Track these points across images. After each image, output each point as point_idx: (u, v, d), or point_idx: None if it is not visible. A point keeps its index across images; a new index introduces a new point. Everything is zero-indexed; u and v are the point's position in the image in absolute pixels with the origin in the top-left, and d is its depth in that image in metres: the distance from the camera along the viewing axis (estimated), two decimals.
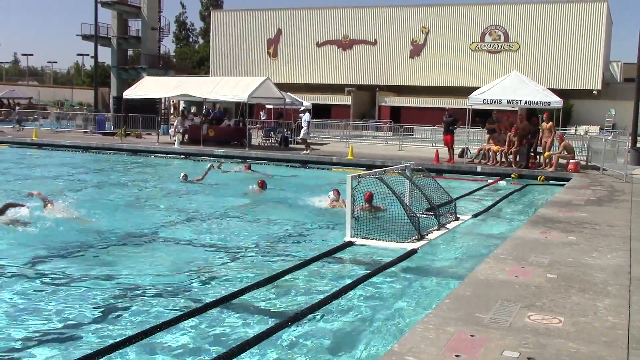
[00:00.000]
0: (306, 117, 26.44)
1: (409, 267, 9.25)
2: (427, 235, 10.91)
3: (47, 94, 72.63)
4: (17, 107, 44.30)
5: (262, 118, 38.58)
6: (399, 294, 8.12)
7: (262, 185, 16.38)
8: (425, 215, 11.95)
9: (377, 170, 12.29)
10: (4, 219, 11.20)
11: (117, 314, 7.13)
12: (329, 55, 55.51)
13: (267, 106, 36.91)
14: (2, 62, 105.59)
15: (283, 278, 8.43)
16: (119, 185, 17.49)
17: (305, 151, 25.49)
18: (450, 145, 23.02)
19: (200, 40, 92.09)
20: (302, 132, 26.19)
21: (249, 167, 20.52)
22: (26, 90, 72.49)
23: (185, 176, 17.98)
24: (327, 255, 9.75)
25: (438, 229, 11.52)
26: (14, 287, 8.05)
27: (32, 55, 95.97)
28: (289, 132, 30.67)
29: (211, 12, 62.74)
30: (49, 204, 12.06)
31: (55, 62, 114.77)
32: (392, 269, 9.00)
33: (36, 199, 12.26)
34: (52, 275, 8.55)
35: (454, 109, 25.06)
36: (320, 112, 46.28)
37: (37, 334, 6.51)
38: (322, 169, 22.94)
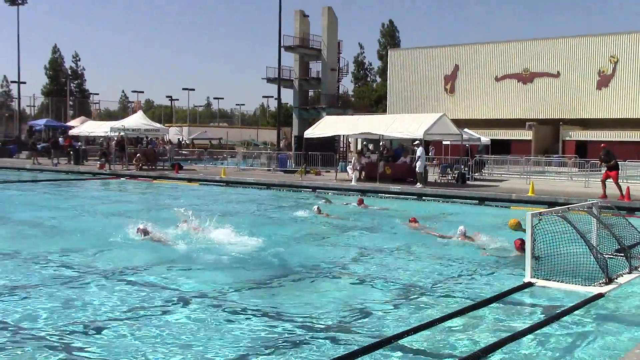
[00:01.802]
0: (419, 151, 26.44)
1: (594, 313, 8.61)
2: (616, 278, 10.13)
3: (234, 134, 77.52)
4: (170, 145, 47.18)
5: (430, 154, 38.49)
6: (581, 341, 7.57)
7: (415, 222, 16.40)
8: (614, 257, 11.11)
9: (559, 207, 11.65)
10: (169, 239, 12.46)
11: (284, 348, 7.28)
12: (509, 90, 54.08)
13: (444, 142, 36.65)
14: (197, 106, 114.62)
15: (454, 319, 8.20)
16: (294, 221, 18.07)
17: (418, 184, 25.87)
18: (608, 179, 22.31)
19: (378, 79, 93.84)
20: (418, 165, 26.34)
21: (362, 202, 21.19)
22: (217, 131, 78.08)
23: (319, 209, 18.84)
24: (504, 296, 9.35)
25: (629, 273, 10.64)
26: (179, 312, 8.54)
27: (222, 98, 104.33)
28: (466, 169, 30.12)
29: (388, 51, 63.77)
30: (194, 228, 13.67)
31: (243, 104, 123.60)
32: (576, 314, 8.44)
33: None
34: (219, 305, 8.96)
35: None
36: (499, 147, 45.01)
37: None
38: (501, 206, 22.22)
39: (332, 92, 62.08)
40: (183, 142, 65.43)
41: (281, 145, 44.28)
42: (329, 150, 35.66)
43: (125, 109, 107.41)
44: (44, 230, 15.86)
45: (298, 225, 17.15)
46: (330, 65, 61.66)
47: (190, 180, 31.95)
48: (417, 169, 26.48)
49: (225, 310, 8.75)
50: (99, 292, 9.61)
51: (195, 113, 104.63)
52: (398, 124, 28.02)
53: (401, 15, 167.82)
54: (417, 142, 27.80)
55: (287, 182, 29.30)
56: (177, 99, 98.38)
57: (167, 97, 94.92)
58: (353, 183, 27.37)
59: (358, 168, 29.14)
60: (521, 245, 11.87)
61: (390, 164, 28.91)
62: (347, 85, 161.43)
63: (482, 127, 48.38)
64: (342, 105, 62.73)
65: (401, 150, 30.44)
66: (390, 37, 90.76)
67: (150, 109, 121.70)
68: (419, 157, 26.39)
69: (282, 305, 8.97)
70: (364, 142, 39.00)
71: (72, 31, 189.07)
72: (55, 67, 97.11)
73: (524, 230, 11.74)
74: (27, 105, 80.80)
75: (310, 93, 69.23)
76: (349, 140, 41.78)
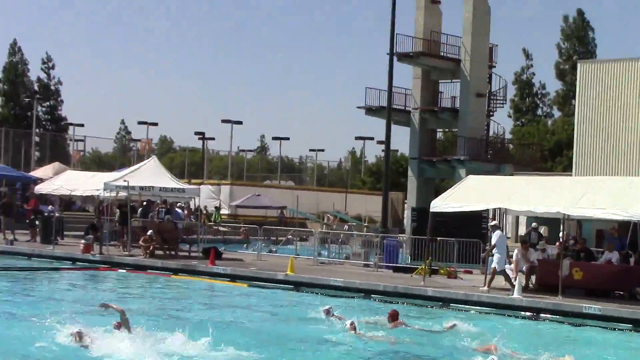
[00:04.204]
0: (496, 236, 28.03)
1: None
2: None
3: (308, 201, 76.82)
4: (202, 215, 46.38)
5: None
6: None
7: None
8: None
9: None
10: None
11: None
12: None
13: None
14: (245, 150, 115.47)
15: None
16: None
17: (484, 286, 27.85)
18: None
19: (557, 113, 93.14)
20: (494, 261, 28.05)
21: (396, 317, 21.97)
22: (278, 195, 77.83)
23: (353, 326, 20.43)
24: None
25: None
26: None
27: (287, 139, 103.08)
28: None
29: (577, 65, 63.00)
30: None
31: (322, 150, 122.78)
32: None
33: None
34: None
35: None
36: None
37: None
38: None
39: (477, 133, 61.49)
40: (222, 212, 66.12)
41: (367, 223, 44.20)
42: (471, 236, 35.31)
43: (125, 152, 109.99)
44: None
45: None
46: (476, 87, 61.40)
47: (234, 278, 32.31)
48: (492, 264, 28.21)
49: None
50: None
51: (241, 162, 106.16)
52: (597, 194, 27.59)
53: (598, 5, 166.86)
54: (493, 222, 29.36)
55: (400, 288, 29.21)
56: (213, 138, 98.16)
57: (197, 134, 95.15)
58: (515, 295, 26.95)
59: (524, 269, 28.71)
60: None
61: (581, 264, 28.41)
62: (502, 122, 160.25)
63: None
64: (494, 157, 62.12)
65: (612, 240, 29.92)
66: (578, 41, 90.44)
67: (167, 154, 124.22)
68: (495, 245, 27.92)
69: None
70: (534, 224, 38.51)
71: (41, 20, 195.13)
72: (13, 76, 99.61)
73: None
74: None
75: (440, 135, 69.06)
76: (507, 218, 41.40)
